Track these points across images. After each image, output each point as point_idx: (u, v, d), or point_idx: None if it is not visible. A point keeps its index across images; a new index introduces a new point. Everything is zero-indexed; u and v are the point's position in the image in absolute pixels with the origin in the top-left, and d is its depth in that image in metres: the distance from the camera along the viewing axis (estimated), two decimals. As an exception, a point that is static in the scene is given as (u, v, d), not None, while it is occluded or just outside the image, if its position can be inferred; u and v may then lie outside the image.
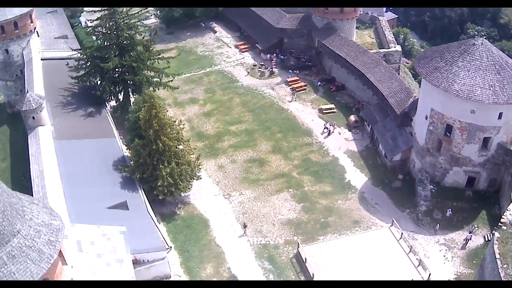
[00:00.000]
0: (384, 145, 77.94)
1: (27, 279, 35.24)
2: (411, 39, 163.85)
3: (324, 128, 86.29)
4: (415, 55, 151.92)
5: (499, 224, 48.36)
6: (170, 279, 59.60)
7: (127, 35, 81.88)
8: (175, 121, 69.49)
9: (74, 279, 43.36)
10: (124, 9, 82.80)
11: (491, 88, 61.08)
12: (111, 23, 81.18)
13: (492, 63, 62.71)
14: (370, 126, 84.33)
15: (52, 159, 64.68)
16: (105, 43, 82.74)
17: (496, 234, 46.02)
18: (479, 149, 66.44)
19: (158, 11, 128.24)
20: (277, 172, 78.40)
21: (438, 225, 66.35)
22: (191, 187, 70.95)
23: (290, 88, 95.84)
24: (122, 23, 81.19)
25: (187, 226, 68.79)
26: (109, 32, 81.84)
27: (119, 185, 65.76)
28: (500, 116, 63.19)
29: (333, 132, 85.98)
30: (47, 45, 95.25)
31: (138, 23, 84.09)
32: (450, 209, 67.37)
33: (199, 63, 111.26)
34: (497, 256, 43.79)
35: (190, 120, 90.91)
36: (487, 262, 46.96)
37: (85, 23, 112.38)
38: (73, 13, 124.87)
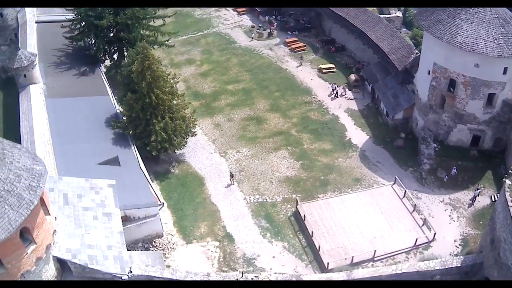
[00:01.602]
0: (386, 103, 75.87)
1: (4, 225, 33.32)
2: (411, 10, 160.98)
3: (332, 90, 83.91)
4: (416, 26, 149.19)
5: (510, 171, 46.37)
6: (163, 238, 57.80)
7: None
8: (168, 74, 67.17)
9: (58, 231, 41.51)
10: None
11: (495, 41, 58.65)
12: None
13: (496, 16, 60.21)
14: (370, 85, 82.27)
15: (43, 116, 62.71)
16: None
17: (508, 181, 43.99)
18: (483, 106, 64.20)
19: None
20: (275, 130, 76.56)
21: (447, 176, 64.71)
22: (185, 144, 68.97)
23: (300, 57, 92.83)
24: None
25: (182, 184, 66.83)
26: None
27: (111, 141, 63.58)
28: (505, 71, 60.81)
29: (344, 94, 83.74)
30: (42, 10, 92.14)
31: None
32: (455, 167, 65.19)
33: (196, 26, 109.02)
34: (510, 203, 41.77)
35: (187, 80, 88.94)
36: (498, 212, 45.01)
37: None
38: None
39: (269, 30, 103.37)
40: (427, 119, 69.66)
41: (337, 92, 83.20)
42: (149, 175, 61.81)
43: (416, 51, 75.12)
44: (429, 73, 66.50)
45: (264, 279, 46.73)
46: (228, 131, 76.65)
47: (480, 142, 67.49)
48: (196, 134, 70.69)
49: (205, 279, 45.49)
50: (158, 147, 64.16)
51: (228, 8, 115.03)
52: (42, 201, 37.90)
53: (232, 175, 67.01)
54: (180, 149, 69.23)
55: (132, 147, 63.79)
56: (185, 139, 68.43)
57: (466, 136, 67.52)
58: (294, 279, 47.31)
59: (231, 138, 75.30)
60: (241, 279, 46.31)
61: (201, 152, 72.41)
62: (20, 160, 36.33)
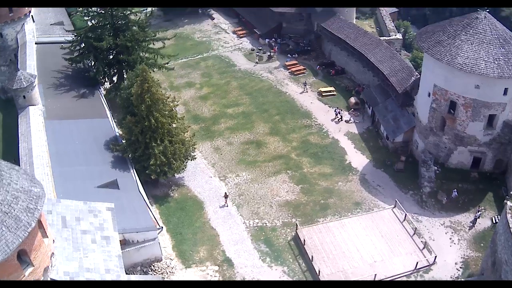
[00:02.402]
0: (386, 126, 75.60)
1: (1, 247, 32.83)
2: (411, 32, 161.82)
3: (336, 114, 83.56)
4: (416, 48, 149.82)
5: (511, 193, 46.13)
6: (161, 262, 57.25)
7: (121, 14, 79.55)
8: (168, 97, 66.95)
9: (56, 254, 40.96)
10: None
11: (496, 62, 58.68)
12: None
13: (496, 36, 60.33)
14: (371, 108, 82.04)
15: (42, 138, 62.30)
16: (99, 23, 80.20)
17: (509, 203, 43.71)
18: (484, 127, 64.01)
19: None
20: (275, 154, 76.16)
21: (446, 199, 64.59)
22: (185, 167, 68.56)
23: (303, 83, 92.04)
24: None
25: (181, 208, 66.36)
26: (103, 11, 79.40)
27: (110, 164, 63.31)
28: (505, 92, 60.76)
29: (350, 120, 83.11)
30: (43, 31, 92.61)
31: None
32: (455, 190, 64.88)
33: (196, 49, 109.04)
34: (511, 225, 41.44)
35: (186, 103, 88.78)
36: (499, 234, 44.68)
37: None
38: None
39: (269, 53, 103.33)
40: (427, 141, 69.36)
41: (341, 116, 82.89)
42: (148, 198, 61.36)
43: (416, 73, 75.12)
44: (429, 95, 66.34)
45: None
46: (227, 155, 76.23)
47: (480, 164, 67.13)
48: (195, 158, 70.33)
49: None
50: (157, 171, 63.76)
51: (228, 31, 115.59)
52: (40, 224, 37.45)
53: (226, 196, 66.86)
54: (180, 173, 68.76)
55: (131, 171, 63.45)
56: (185, 163, 67.98)
57: (467, 158, 67.15)
58: None
59: (231, 162, 74.87)
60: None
61: (201, 176, 71.93)
62: (18, 182, 35.91)
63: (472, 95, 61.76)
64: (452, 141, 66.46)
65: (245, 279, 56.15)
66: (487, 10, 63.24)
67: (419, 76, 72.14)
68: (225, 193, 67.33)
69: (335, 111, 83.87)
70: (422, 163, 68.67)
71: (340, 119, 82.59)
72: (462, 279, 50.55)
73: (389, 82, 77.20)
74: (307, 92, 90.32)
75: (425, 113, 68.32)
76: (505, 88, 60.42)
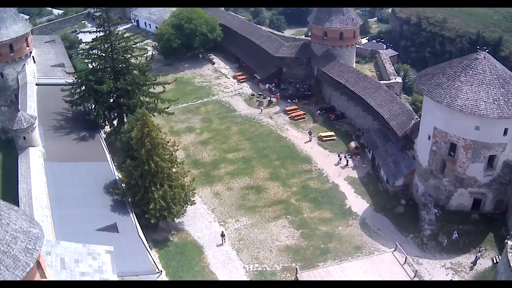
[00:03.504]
0: (386, 170, 75.56)
1: (-1, 287, 32.51)
2: (411, 75, 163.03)
3: (340, 159, 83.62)
4: (416, 92, 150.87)
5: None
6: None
7: (122, 58, 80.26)
8: (168, 142, 67.00)
9: (55, 296, 40.48)
10: (120, 31, 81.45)
11: (496, 102, 59.19)
12: (106, 45, 79.64)
13: (496, 76, 60.95)
14: (371, 152, 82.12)
15: (41, 180, 62.11)
16: (100, 66, 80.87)
17: (509, 243, 43.47)
18: (484, 169, 64.07)
19: (156, 43, 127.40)
20: (274, 199, 75.92)
21: (446, 241, 64.36)
22: (184, 212, 68.09)
23: (308, 132, 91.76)
24: (118, 45, 79.61)
25: (180, 252, 65.80)
26: (104, 54, 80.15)
27: (109, 208, 62.92)
28: (505, 132, 61.12)
29: (357, 163, 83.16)
30: (44, 73, 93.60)
31: (134, 46, 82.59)
32: (456, 232, 64.60)
33: (197, 93, 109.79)
34: (512, 264, 41.26)
35: (186, 148, 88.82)
36: (500, 274, 44.34)
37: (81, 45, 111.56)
38: (71, 44, 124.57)
39: (269, 98, 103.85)
40: (427, 184, 69.23)
41: (347, 161, 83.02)
42: (147, 242, 60.86)
43: (416, 116, 75.38)
44: (429, 138, 66.50)
45: None
46: (227, 200, 75.94)
47: (481, 205, 66.96)
48: (195, 203, 70.01)
49: None
50: (157, 215, 63.36)
51: (228, 76, 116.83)
52: (38, 264, 37.12)
53: (223, 234, 66.82)
54: (179, 218, 68.31)
55: (131, 214, 63.10)
56: (184, 208, 67.56)
57: (467, 200, 66.97)
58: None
59: (231, 207, 74.54)
60: None
61: (200, 221, 71.54)
62: (17, 222, 35.70)
63: (472, 137, 61.96)
64: (453, 183, 66.34)
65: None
66: (487, 50, 63.85)
67: (419, 119, 72.43)
68: (222, 232, 67.40)
69: (338, 155, 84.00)
70: (422, 206, 68.39)
71: (346, 164, 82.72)
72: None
73: (389, 126, 77.41)
74: (311, 141, 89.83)
75: (425, 156, 68.35)
76: (505, 128, 60.74)
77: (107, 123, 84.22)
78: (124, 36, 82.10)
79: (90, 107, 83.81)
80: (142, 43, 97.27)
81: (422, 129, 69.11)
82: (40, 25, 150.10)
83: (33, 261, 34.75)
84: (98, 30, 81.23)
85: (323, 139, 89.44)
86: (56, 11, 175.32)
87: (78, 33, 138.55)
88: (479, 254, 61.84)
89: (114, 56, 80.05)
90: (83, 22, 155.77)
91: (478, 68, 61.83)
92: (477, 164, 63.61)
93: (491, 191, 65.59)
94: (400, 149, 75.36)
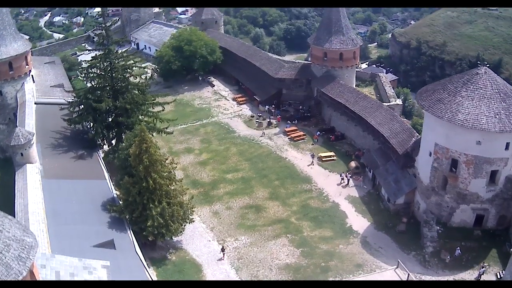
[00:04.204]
0: (387, 189, 74.87)
1: (-10, 294, 31.66)
2: (411, 99, 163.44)
3: (342, 179, 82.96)
4: (416, 115, 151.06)
5: None
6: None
7: (121, 77, 79.99)
8: (166, 159, 66.36)
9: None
10: (120, 50, 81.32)
11: (497, 116, 58.84)
12: (105, 64, 79.42)
13: (497, 91, 60.72)
14: (371, 171, 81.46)
15: (38, 196, 61.28)
16: (99, 85, 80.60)
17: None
18: (486, 184, 63.45)
19: (156, 66, 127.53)
20: (274, 218, 75.07)
21: (449, 257, 63.62)
22: (183, 230, 67.03)
23: (311, 155, 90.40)
24: (117, 63, 79.43)
25: (179, 271, 64.71)
26: (103, 73, 79.89)
27: (106, 225, 62.00)
28: (507, 147, 60.68)
29: (363, 183, 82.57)
30: (43, 92, 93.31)
31: (133, 65, 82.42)
32: (459, 248, 63.75)
33: (196, 115, 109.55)
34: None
35: (185, 168, 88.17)
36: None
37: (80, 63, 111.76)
38: (71, 65, 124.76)
39: (268, 120, 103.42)
40: (429, 202, 68.49)
41: (348, 180, 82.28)
42: (145, 260, 59.97)
43: (417, 134, 74.79)
44: (430, 155, 65.97)
45: None
46: (226, 219, 75.12)
47: (483, 221, 66.17)
48: (193, 221, 69.03)
49: None
50: (155, 232, 62.40)
51: (227, 98, 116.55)
52: (32, 275, 36.14)
53: (223, 249, 66.23)
54: (177, 236, 67.22)
55: (128, 231, 62.22)
56: (183, 226, 66.59)
57: (469, 217, 66.19)
58: None
59: (230, 226, 73.71)
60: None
61: (199, 240, 70.63)
62: (10, 230, 34.92)
63: (473, 152, 61.49)
64: (455, 199, 65.64)
65: None
66: (488, 66, 63.65)
67: (419, 137, 71.91)
68: (222, 246, 66.81)
69: (340, 175, 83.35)
70: (424, 223, 67.58)
71: (347, 184, 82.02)
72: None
73: (390, 144, 76.83)
74: (313, 165, 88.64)
75: (426, 173, 67.75)
76: (507, 143, 60.34)
77: (105, 142, 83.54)
78: (124, 55, 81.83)
79: (88, 126, 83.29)
80: (142, 65, 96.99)
81: (423, 146, 68.60)
82: (40, 47, 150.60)
83: (26, 270, 33.90)
84: (97, 48, 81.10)
85: (323, 159, 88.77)
86: (56, 35, 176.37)
87: (78, 55, 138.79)
88: (483, 270, 60.90)
89: (114, 74, 79.80)
90: (83, 44, 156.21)
91: (479, 83, 61.60)
92: (479, 179, 63.00)
93: (493, 206, 64.86)
94: (401, 168, 74.70)
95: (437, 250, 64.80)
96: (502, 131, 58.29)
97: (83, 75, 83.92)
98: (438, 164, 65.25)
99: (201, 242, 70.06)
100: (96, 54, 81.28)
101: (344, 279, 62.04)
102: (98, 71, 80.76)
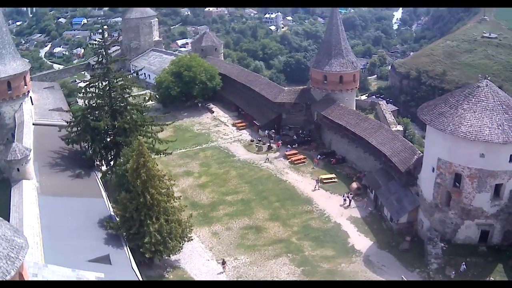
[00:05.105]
0: (389, 208, 73.66)
1: (-23, 293, 30.35)
2: (411, 129, 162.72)
3: (344, 200, 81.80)
4: (415, 144, 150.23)
5: None
6: None
7: (120, 96, 79.29)
8: (164, 175, 65.11)
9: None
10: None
11: (500, 127, 58.26)
12: (104, 83, 78.75)
13: (499, 103, 60.38)
14: (373, 192, 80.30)
15: (34, 210, 59.98)
16: (98, 104, 79.98)
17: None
18: (491, 198, 62.42)
19: (155, 93, 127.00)
20: (275, 238, 73.81)
21: (454, 273, 62.05)
22: (181, 248, 65.55)
23: (316, 180, 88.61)
24: (116, 83, 78.82)
25: (176, 290, 63.22)
26: (101, 92, 79.19)
27: (103, 241, 60.50)
28: (511, 159, 59.86)
29: (366, 205, 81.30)
30: (41, 115, 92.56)
31: (133, 85, 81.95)
32: (464, 263, 62.39)
33: (195, 140, 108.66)
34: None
35: (184, 191, 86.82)
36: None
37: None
38: (70, 91, 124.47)
39: (268, 144, 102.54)
40: (432, 219, 67.27)
41: (350, 201, 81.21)
42: (142, 278, 58.44)
43: (419, 152, 73.80)
44: (433, 170, 64.99)
45: None
46: (226, 239, 73.80)
47: (488, 237, 65.01)
48: (192, 239, 67.68)
49: None
50: (152, 249, 60.93)
51: (227, 124, 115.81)
52: (21, 277, 34.82)
53: (224, 262, 65.35)
54: (175, 254, 65.73)
55: (125, 248, 60.71)
56: (181, 244, 65.15)
57: (474, 233, 65.01)
58: None
59: (229, 245, 72.36)
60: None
61: (198, 259, 69.21)
62: (0, 230, 33.73)
63: (477, 165, 60.65)
64: (459, 215, 64.48)
65: None
66: (488, 78, 63.08)
67: (421, 154, 71.05)
68: (223, 259, 65.80)
69: (343, 196, 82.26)
70: (428, 240, 66.22)
71: (349, 205, 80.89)
72: None
73: (392, 163, 75.89)
74: (319, 189, 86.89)
75: (429, 189, 66.72)
76: (511, 155, 59.57)
77: (103, 163, 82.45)
78: (123, 74, 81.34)
79: (86, 146, 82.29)
80: (142, 92, 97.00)
81: (425, 162, 67.73)
82: (40, 73, 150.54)
83: (14, 269, 32.64)
84: (96, 67, 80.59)
85: (324, 181, 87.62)
86: (56, 66, 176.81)
87: (78, 83, 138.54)
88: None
89: (112, 94, 79.12)
90: (83, 72, 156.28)
91: (481, 95, 61.21)
92: (484, 193, 62.04)
93: (498, 221, 63.75)
94: (403, 186, 73.73)
95: (441, 267, 63.38)
96: (505, 142, 57.57)
97: (82, 94, 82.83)
98: (441, 179, 64.22)
99: (200, 261, 68.62)
100: (94, 73, 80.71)
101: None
102: (97, 91, 80.00)
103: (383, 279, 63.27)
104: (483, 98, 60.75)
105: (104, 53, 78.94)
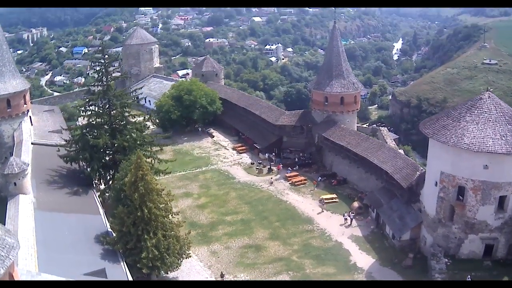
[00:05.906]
0: (392, 225, 72.53)
1: (-36, 289, 29.38)
2: (412, 156, 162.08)
3: (345, 219, 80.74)
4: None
5: None
6: None
7: (119, 115, 78.75)
8: (163, 189, 64.09)
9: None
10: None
11: (503, 138, 57.63)
12: (104, 101, 78.23)
13: (502, 114, 59.88)
14: (375, 211, 79.20)
15: (30, 224, 59.10)
16: (97, 122, 79.74)
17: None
18: (495, 211, 61.43)
19: (155, 118, 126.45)
20: (275, 256, 72.54)
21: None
22: (179, 265, 64.14)
23: (320, 202, 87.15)
24: (115, 101, 78.31)
25: (174, 307, 61.90)
26: (101, 110, 78.62)
27: (99, 255, 59.41)
28: (515, 170, 58.87)
29: (368, 223, 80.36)
30: (41, 137, 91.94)
31: (132, 102, 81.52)
32: (469, 276, 60.96)
33: (195, 163, 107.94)
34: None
35: (183, 211, 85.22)
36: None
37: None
38: (70, 115, 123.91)
39: (269, 167, 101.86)
40: (436, 234, 66.12)
41: (351, 220, 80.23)
42: (138, 293, 57.26)
43: (421, 168, 72.94)
44: (436, 184, 64.12)
45: None
46: (225, 258, 72.61)
47: (493, 251, 63.81)
48: (190, 256, 66.40)
49: None
50: (149, 265, 59.61)
51: (227, 147, 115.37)
52: (11, 278, 33.95)
53: (222, 275, 64.46)
54: (173, 270, 64.41)
55: (122, 263, 59.58)
56: (179, 261, 63.89)
57: (478, 247, 63.86)
58: None
59: (228, 264, 71.12)
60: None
61: (196, 277, 67.88)
62: (-10, 228, 32.96)
63: (481, 177, 59.81)
64: (462, 229, 63.38)
65: None
66: (491, 90, 62.59)
67: (424, 170, 70.12)
68: (221, 272, 65.00)
69: (344, 215, 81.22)
70: (431, 256, 64.85)
71: (350, 224, 79.88)
72: None
73: (394, 181, 74.98)
74: (323, 212, 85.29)
75: (432, 204, 65.78)
76: (515, 166, 58.50)
77: (101, 181, 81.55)
78: (123, 93, 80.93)
79: (84, 165, 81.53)
80: (140, 118, 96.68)
81: (428, 177, 66.92)
82: (40, 98, 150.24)
83: (4, 268, 31.98)
84: (96, 84, 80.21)
85: (325, 201, 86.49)
86: (57, 94, 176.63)
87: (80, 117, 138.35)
88: None
89: (112, 112, 78.62)
90: (84, 98, 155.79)
91: (483, 107, 60.73)
92: (488, 206, 61.07)
93: (503, 235, 62.61)
94: (405, 203, 72.72)
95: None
96: (509, 152, 56.92)
97: (81, 112, 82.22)
98: (445, 193, 63.31)
99: (198, 279, 67.20)
100: (94, 90, 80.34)
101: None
102: (96, 108, 79.45)
103: (386, 295, 62.11)
104: (485, 110, 60.26)
105: (104, 70, 78.58)
